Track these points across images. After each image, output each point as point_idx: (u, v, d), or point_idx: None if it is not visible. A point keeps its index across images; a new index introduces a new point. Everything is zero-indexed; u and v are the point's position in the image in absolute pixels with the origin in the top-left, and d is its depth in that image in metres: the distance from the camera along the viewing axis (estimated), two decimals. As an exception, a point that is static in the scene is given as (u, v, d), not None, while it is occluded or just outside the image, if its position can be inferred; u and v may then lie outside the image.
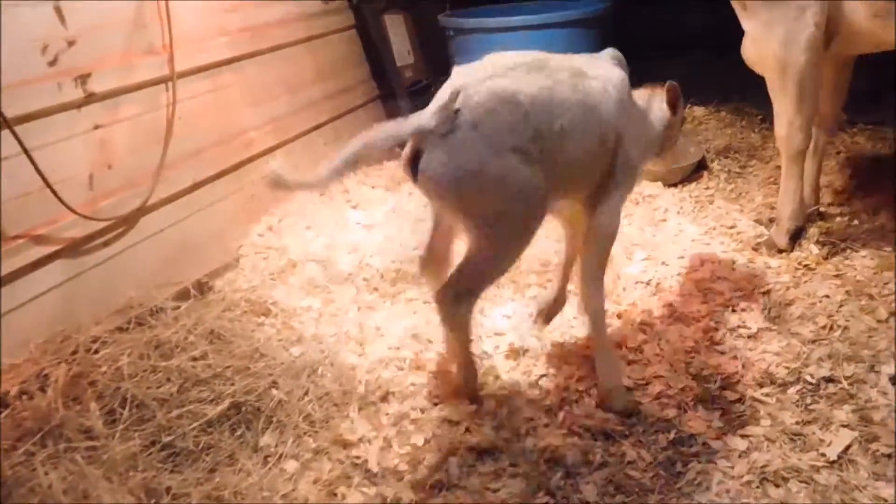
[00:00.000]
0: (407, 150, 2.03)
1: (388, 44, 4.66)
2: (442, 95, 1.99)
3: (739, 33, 3.10)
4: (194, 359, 2.50)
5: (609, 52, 2.31)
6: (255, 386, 2.37)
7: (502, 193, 1.97)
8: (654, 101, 2.38)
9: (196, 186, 3.19)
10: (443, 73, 4.70)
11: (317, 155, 4.02)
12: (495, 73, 2.01)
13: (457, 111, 1.94)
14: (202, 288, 2.98)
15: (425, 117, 1.96)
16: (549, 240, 3.27)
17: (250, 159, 3.51)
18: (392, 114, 4.64)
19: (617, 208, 2.26)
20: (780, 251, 3.14)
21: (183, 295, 2.88)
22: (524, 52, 2.13)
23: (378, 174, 4.16)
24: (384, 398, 2.41)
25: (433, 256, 2.33)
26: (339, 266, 3.15)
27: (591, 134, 2.09)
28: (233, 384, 2.37)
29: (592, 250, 2.26)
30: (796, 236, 3.20)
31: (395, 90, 4.64)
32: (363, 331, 2.75)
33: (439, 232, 2.29)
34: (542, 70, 2.05)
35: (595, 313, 2.29)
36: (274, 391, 2.38)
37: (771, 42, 2.91)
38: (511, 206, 2.00)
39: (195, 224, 3.15)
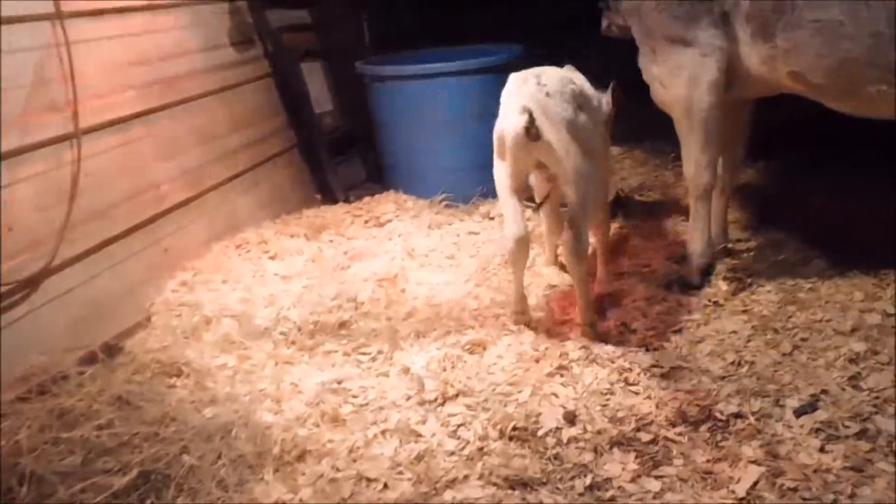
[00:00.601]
0: (521, 123, 2.66)
1: (305, 91, 4.66)
2: (515, 88, 2.83)
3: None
4: (100, 427, 2.40)
5: (569, 67, 3.12)
6: (165, 452, 2.29)
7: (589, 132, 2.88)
8: (602, 97, 3.23)
9: (105, 244, 3.10)
10: (362, 120, 4.79)
11: (234, 205, 3.97)
12: (544, 72, 2.86)
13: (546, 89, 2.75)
14: (111, 350, 2.87)
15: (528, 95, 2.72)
16: (463, 294, 3.31)
17: (163, 213, 3.43)
18: (311, 161, 4.67)
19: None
20: (692, 288, 3.24)
21: (90, 359, 2.77)
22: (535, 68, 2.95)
23: (297, 222, 4.14)
24: (301, 457, 2.35)
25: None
26: (255, 320, 3.09)
27: (589, 111, 2.98)
28: (141, 452, 2.28)
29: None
30: (707, 272, 3.31)
31: (314, 138, 4.62)
32: (280, 387, 2.69)
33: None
34: (557, 72, 2.96)
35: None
36: (185, 457, 2.30)
37: (678, 86, 3.07)
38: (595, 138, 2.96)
39: (104, 283, 3.05)
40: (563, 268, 3.46)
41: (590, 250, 3.00)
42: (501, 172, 2.91)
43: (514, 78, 2.91)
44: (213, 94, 3.99)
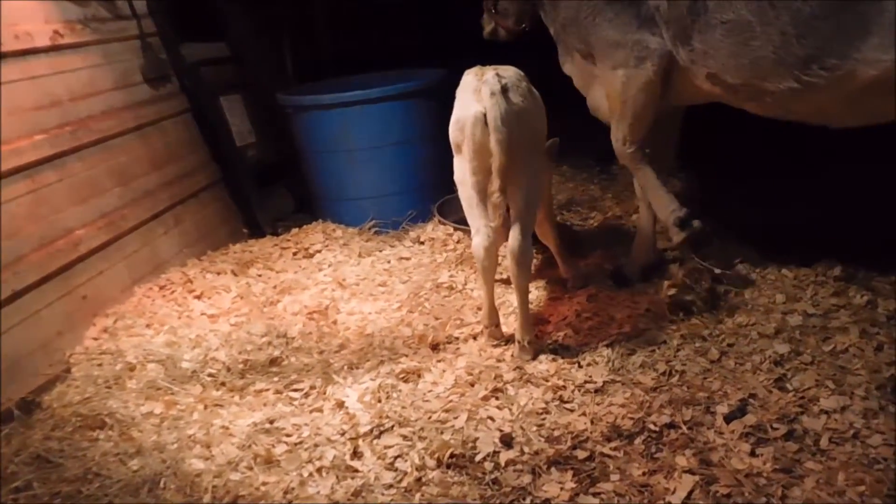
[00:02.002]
0: (481, 109, 2.73)
1: (225, 125, 4.57)
2: (472, 79, 2.84)
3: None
4: (17, 490, 2.29)
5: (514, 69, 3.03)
6: (88, 511, 2.18)
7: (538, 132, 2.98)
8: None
9: (16, 296, 2.94)
10: (288, 151, 4.72)
11: (157, 245, 3.85)
12: (499, 67, 2.89)
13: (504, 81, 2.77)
14: (27, 407, 2.73)
15: (490, 87, 2.73)
16: (396, 321, 3.28)
17: (79, 259, 3.28)
18: (236, 195, 4.58)
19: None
20: (679, 245, 3.18)
21: (5, 417, 2.63)
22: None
23: (224, 258, 4.04)
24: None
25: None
26: (181, 364, 2.99)
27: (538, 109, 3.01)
28: (61, 513, 2.16)
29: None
30: (689, 221, 3.12)
31: (237, 171, 4.53)
32: (209, 432, 2.60)
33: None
34: (512, 68, 2.95)
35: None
36: (110, 514, 2.19)
37: (615, 82, 3.13)
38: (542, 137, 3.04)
39: (17, 337, 2.90)
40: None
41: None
42: (463, 170, 2.88)
43: (470, 71, 2.93)
44: (130, 133, 3.88)
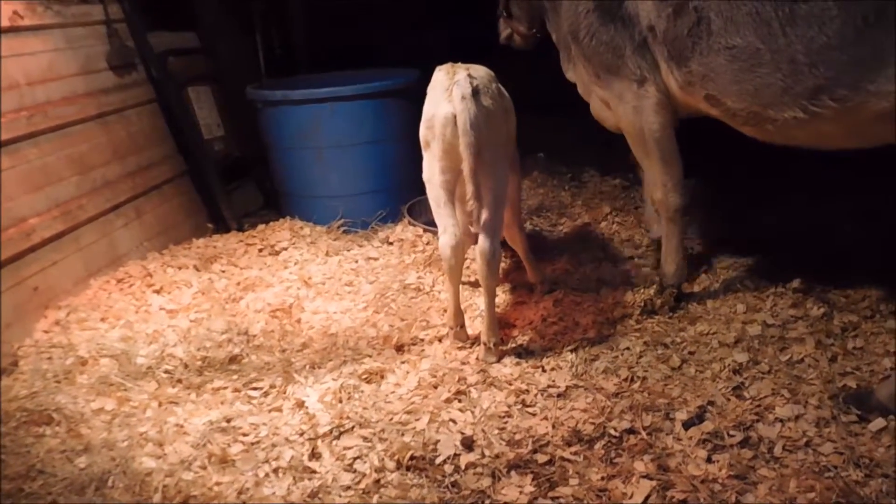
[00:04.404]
0: (451, 111, 2.72)
1: (191, 117, 4.48)
2: (444, 77, 2.82)
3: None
4: (-46, 486, 2.18)
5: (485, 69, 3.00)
6: (30, 510, 2.10)
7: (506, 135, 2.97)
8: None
9: (-38, 284, 2.85)
10: (257, 146, 4.65)
11: (115, 237, 3.75)
12: (471, 67, 2.88)
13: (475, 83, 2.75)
14: (-30, 400, 2.63)
15: (462, 90, 2.71)
16: (361, 322, 3.24)
17: (31, 249, 3.18)
18: (202, 189, 4.49)
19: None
20: (652, 313, 3.16)
21: (-55, 412, 2.53)
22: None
23: (186, 253, 3.96)
24: (185, 504, 2.21)
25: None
26: (136, 359, 2.91)
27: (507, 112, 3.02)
28: (2, 511, 2.08)
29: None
30: (679, 297, 3.23)
31: (203, 165, 4.44)
32: (163, 430, 2.53)
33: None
34: (483, 68, 2.95)
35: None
36: (54, 512, 2.12)
37: (627, 112, 3.11)
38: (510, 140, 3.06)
39: (-38, 327, 2.80)
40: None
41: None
42: (432, 169, 2.86)
43: (441, 69, 2.91)
44: (91, 121, 3.77)
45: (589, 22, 3.04)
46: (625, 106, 3.11)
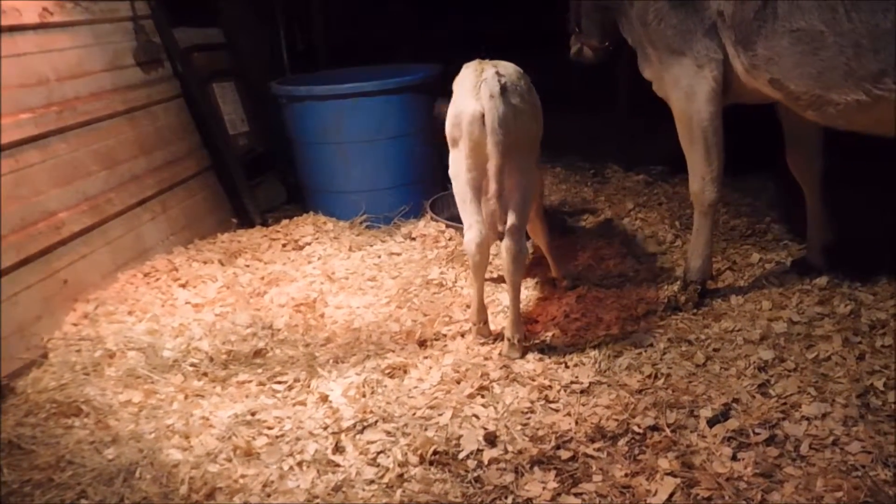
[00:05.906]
0: (479, 109, 2.71)
1: (217, 112, 4.52)
2: (471, 74, 2.80)
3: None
4: (-14, 476, 2.23)
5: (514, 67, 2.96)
6: (60, 499, 2.16)
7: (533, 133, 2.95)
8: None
9: (-6, 277, 2.90)
10: (281, 141, 4.68)
11: (142, 231, 3.80)
12: (499, 64, 2.84)
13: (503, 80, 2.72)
14: (0, 391, 2.67)
15: (490, 88, 2.68)
16: (384, 317, 3.26)
17: (61, 242, 3.23)
18: (226, 184, 4.53)
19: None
20: (676, 310, 3.15)
21: (-23, 402, 2.58)
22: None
23: (211, 247, 3.99)
24: (210, 495, 2.24)
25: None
26: (163, 352, 2.95)
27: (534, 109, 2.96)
28: (32, 500, 2.12)
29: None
30: (703, 293, 3.21)
31: (228, 160, 4.48)
32: (189, 422, 2.56)
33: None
34: (512, 66, 2.92)
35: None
36: (83, 502, 2.16)
37: (679, 98, 3.08)
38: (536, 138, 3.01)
39: (-7, 319, 2.85)
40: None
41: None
42: (459, 166, 2.85)
43: (469, 65, 2.89)
44: (119, 116, 3.82)
45: (659, 6, 3.02)
46: (678, 91, 3.08)
